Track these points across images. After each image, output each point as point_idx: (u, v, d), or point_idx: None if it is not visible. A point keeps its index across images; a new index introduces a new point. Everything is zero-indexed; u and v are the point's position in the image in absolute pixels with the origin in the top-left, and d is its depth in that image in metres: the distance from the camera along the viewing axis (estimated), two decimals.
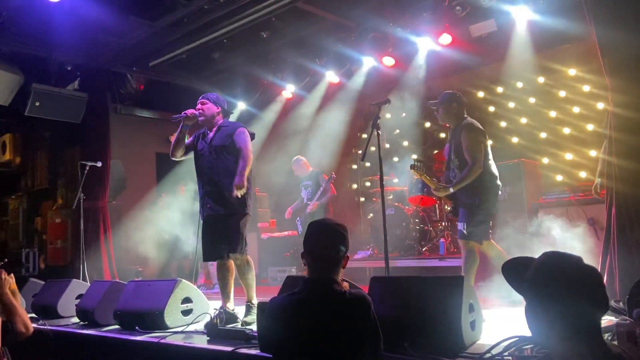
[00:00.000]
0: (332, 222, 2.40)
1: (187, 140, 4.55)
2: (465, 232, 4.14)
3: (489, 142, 4.47)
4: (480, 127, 4.30)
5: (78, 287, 5.36)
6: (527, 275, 1.46)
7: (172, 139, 4.53)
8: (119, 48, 7.60)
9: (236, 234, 4.19)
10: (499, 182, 4.27)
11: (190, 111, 4.42)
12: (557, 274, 1.40)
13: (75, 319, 4.84)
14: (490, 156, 4.28)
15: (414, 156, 8.46)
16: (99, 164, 6.96)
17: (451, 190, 4.20)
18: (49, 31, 6.78)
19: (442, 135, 8.29)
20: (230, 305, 4.28)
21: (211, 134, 4.45)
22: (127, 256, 7.96)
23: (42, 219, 9.77)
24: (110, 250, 7.71)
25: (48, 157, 9.95)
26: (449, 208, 6.82)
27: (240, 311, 4.34)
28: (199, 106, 4.50)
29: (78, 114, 7.97)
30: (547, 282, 1.40)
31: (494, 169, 4.28)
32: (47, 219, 9.27)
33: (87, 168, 6.75)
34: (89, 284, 5.48)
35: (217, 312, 4.07)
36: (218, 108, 4.53)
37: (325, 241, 2.29)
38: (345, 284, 2.36)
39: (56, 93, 7.75)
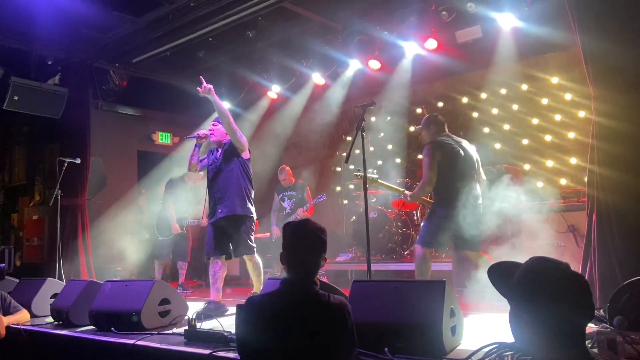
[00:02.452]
0: (310, 224, 2.38)
1: (203, 157, 5.22)
2: (418, 236, 4.56)
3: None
4: (444, 144, 4.48)
5: (53, 286, 5.23)
6: (513, 279, 1.45)
7: (189, 158, 5.19)
8: (101, 43, 7.48)
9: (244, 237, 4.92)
10: (466, 197, 4.37)
11: (202, 132, 5.13)
12: (545, 279, 1.39)
13: (50, 319, 4.72)
14: (461, 172, 4.44)
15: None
16: (78, 161, 6.83)
17: (408, 199, 4.73)
18: (30, 24, 6.64)
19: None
20: (218, 298, 4.77)
21: (219, 152, 5.07)
22: (105, 255, 7.82)
23: (19, 216, 9.56)
24: (88, 249, 7.55)
25: (26, 153, 9.75)
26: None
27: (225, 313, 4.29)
28: (210, 127, 5.15)
29: (58, 109, 7.81)
30: (534, 287, 1.39)
31: (462, 186, 4.40)
32: (24, 215, 9.08)
33: (66, 164, 6.62)
34: (64, 283, 5.36)
35: (207, 303, 4.51)
36: None
37: (303, 243, 2.28)
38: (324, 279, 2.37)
39: (36, 87, 7.59)
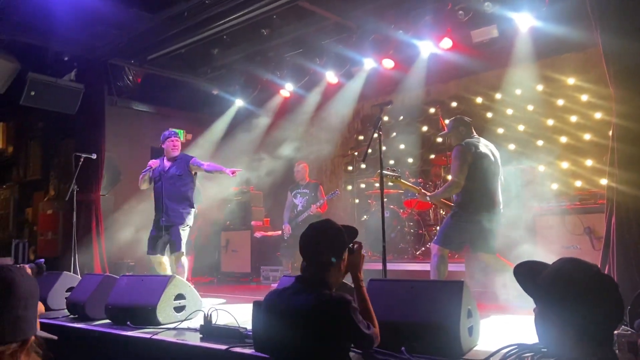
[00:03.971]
0: (327, 225, 2.40)
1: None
2: (437, 236, 4.52)
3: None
4: (475, 147, 4.46)
5: (69, 279, 5.29)
6: (541, 279, 1.44)
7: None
8: (117, 40, 7.52)
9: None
10: (492, 201, 4.43)
11: (151, 163, 5.99)
12: (575, 280, 1.38)
13: (65, 312, 4.77)
14: (490, 176, 4.45)
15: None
16: (94, 156, 6.88)
17: (428, 199, 4.65)
18: (47, 20, 6.69)
19: (439, 140, 8.28)
20: None
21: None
22: (119, 250, 7.88)
23: (33, 210, 9.66)
24: (102, 244, 7.62)
25: (41, 148, 9.84)
26: (443, 213, 6.85)
27: (236, 310, 4.29)
28: (175, 142, 5.98)
29: (74, 105, 7.88)
30: (565, 288, 1.38)
31: (488, 189, 4.43)
32: (39, 210, 9.17)
33: (82, 160, 6.67)
34: (79, 277, 5.41)
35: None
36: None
37: (312, 244, 2.33)
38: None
39: (52, 83, 7.66)
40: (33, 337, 1.23)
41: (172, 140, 5.89)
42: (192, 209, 5.84)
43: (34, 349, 1.20)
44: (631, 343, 2.39)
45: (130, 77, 8.39)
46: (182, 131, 9.94)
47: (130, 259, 8.00)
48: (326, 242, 2.32)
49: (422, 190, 4.76)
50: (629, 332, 2.42)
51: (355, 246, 2.49)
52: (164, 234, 5.62)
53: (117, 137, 8.51)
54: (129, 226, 7.94)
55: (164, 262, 5.71)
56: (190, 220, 5.80)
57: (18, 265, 2.28)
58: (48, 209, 8.89)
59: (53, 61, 7.82)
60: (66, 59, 7.87)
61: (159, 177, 5.75)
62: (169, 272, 5.60)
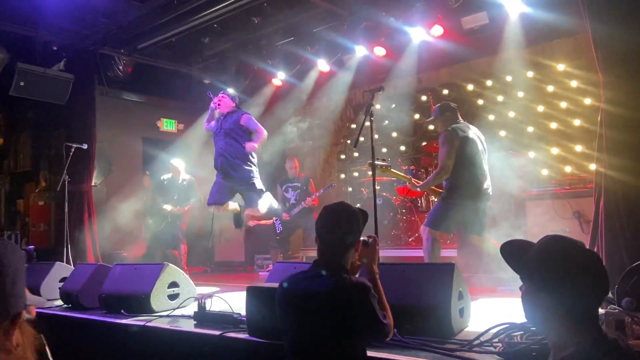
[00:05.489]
0: (344, 206, 2.38)
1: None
2: (427, 219, 4.55)
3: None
4: (462, 131, 4.51)
5: (62, 269, 5.29)
6: (528, 257, 1.46)
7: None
8: (107, 29, 7.46)
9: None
10: (480, 184, 4.51)
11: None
12: (562, 257, 1.39)
13: (59, 302, 4.77)
14: (477, 160, 4.51)
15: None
16: (85, 146, 6.85)
17: (418, 189, 4.69)
18: (35, 10, 6.62)
19: (431, 127, 8.31)
20: None
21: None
22: (111, 241, 7.88)
23: (25, 202, 9.62)
24: (94, 235, 7.60)
25: (31, 139, 9.77)
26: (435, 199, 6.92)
27: (230, 298, 4.32)
28: (219, 98, 5.86)
29: (63, 95, 7.81)
30: (549, 264, 1.40)
31: (476, 173, 4.50)
32: (30, 201, 9.12)
33: (73, 150, 6.64)
34: (72, 267, 5.41)
35: None
36: (233, 103, 5.87)
37: (331, 225, 2.29)
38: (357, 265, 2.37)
39: (41, 73, 7.58)
40: (24, 312, 1.21)
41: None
42: None
43: (26, 324, 1.19)
44: (619, 321, 2.44)
45: (121, 67, 8.32)
46: (173, 121, 9.92)
47: (123, 249, 8.00)
48: (345, 223, 2.29)
49: (413, 180, 4.80)
50: (617, 310, 2.48)
51: (371, 240, 2.49)
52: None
53: (108, 127, 8.46)
54: (121, 217, 7.93)
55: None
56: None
57: (4, 238, 2.26)
58: (40, 200, 8.85)
59: (42, 51, 7.73)
60: (55, 48, 7.80)
61: None
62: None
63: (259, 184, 5.72)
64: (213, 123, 5.91)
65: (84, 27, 7.42)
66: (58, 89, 7.76)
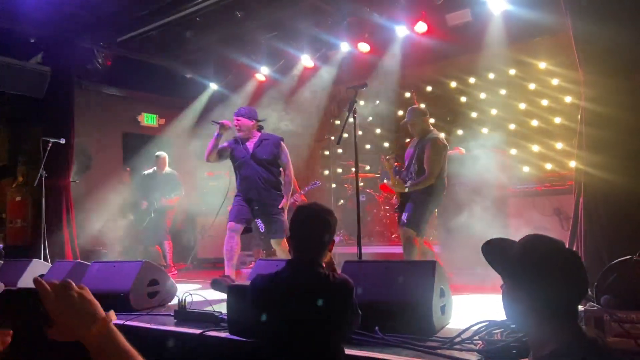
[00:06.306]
0: (318, 207, 2.41)
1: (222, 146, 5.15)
2: (405, 220, 4.69)
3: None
4: (444, 141, 4.85)
5: (39, 267, 5.19)
6: (508, 256, 1.46)
7: (209, 145, 5.11)
8: (85, 21, 7.29)
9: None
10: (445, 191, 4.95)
11: (227, 122, 5.09)
12: (542, 256, 1.39)
13: None
14: (446, 166, 4.89)
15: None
16: (63, 141, 6.71)
17: (406, 189, 4.80)
18: (12, 1, 6.45)
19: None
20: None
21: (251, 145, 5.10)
22: (90, 237, 7.74)
23: (1, 197, 9.39)
24: (72, 231, 7.46)
25: (8, 133, 9.54)
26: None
27: (212, 296, 4.28)
28: (236, 121, 5.10)
29: (41, 88, 7.64)
30: (530, 263, 1.40)
31: (445, 179, 4.91)
32: (7, 197, 8.92)
33: (50, 145, 6.50)
34: (50, 264, 5.30)
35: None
36: (252, 122, 5.12)
37: (309, 227, 2.31)
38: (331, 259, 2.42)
39: (18, 66, 7.41)
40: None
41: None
42: None
43: None
44: (598, 319, 2.46)
45: (100, 60, 8.17)
46: (155, 116, 9.78)
47: (102, 246, 7.88)
48: (323, 223, 2.32)
49: (399, 181, 4.94)
50: (595, 307, 2.50)
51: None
52: None
53: (87, 122, 8.29)
54: (100, 213, 7.81)
55: None
56: None
57: None
58: (17, 196, 8.66)
59: (19, 43, 7.55)
60: (32, 41, 7.63)
61: None
62: None
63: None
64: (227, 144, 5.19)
65: (63, 19, 7.24)
66: (35, 82, 7.60)
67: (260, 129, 5.25)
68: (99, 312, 1.11)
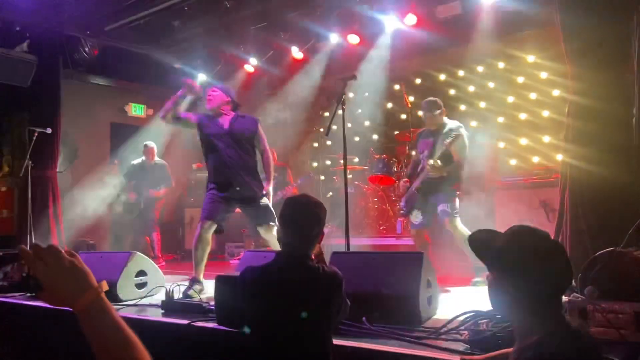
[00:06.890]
0: (308, 199, 2.41)
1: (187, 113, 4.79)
2: (449, 210, 4.66)
3: None
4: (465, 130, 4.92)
5: None
6: (495, 247, 1.47)
7: (168, 102, 4.70)
8: (73, 9, 7.19)
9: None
10: None
11: (197, 86, 4.82)
12: (527, 247, 1.41)
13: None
14: None
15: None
16: (49, 131, 6.63)
17: (444, 174, 4.70)
18: None
19: (403, 116, 8.34)
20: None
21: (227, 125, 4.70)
22: (78, 228, 7.69)
23: None
24: (59, 221, 7.40)
25: None
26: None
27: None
28: (209, 93, 4.78)
29: (26, 77, 7.52)
30: (516, 253, 1.42)
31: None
32: None
33: (36, 134, 6.43)
34: None
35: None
36: (228, 98, 4.80)
37: (299, 219, 2.30)
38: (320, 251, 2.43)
39: (3, 54, 7.29)
40: None
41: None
42: None
43: None
44: (582, 309, 2.50)
45: (87, 49, 8.04)
46: (142, 106, 9.69)
47: (90, 237, 7.82)
48: (313, 215, 2.32)
49: (430, 161, 4.78)
50: (579, 298, 2.53)
51: None
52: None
53: (73, 112, 8.19)
54: (87, 204, 7.75)
55: None
56: None
57: None
58: (2, 187, 8.54)
59: (4, 31, 7.41)
60: (18, 29, 7.49)
61: None
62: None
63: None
64: (194, 116, 4.83)
65: (49, 7, 7.13)
66: (21, 70, 7.48)
67: (235, 108, 4.87)
68: (90, 281, 1.09)
